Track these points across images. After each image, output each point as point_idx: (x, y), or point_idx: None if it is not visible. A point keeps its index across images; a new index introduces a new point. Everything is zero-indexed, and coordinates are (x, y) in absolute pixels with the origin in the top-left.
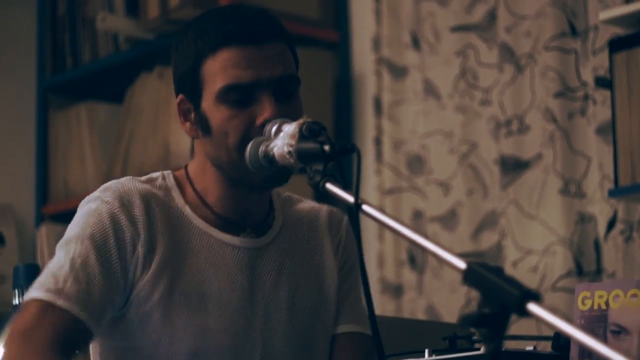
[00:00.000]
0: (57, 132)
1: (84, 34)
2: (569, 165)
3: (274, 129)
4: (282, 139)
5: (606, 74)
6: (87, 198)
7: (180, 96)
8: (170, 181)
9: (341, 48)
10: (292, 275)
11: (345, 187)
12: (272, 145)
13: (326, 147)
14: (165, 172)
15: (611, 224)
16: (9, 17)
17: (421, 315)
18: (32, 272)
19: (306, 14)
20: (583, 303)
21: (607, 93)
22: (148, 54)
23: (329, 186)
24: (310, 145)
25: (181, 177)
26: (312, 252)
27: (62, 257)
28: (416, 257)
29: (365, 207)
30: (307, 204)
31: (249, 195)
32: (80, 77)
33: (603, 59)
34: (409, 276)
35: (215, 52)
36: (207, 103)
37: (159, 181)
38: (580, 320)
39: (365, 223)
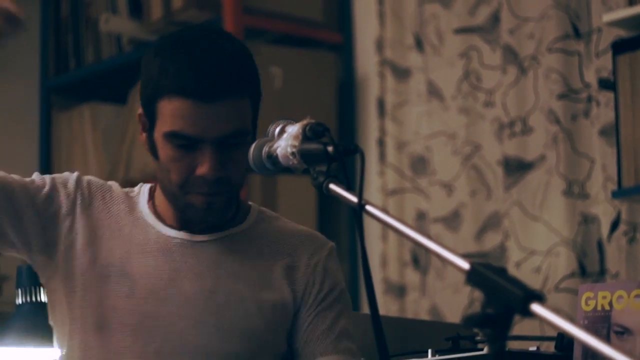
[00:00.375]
0: (61, 132)
1: (87, 35)
2: (573, 166)
3: (277, 129)
4: (286, 140)
5: (609, 75)
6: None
7: (140, 110)
8: (144, 190)
9: (345, 50)
10: (226, 275)
11: (349, 188)
12: (275, 146)
13: (330, 148)
14: (143, 185)
15: (614, 225)
16: None
17: (424, 316)
18: (35, 272)
19: (310, 16)
20: (586, 304)
21: (611, 95)
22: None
23: (333, 187)
24: (313, 146)
25: (153, 189)
26: (264, 262)
27: None
28: (419, 258)
29: (369, 208)
30: (294, 225)
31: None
32: (83, 78)
33: (606, 60)
34: (412, 276)
35: (171, 96)
36: (157, 135)
37: (135, 191)
38: (584, 320)
39: (368, 224)
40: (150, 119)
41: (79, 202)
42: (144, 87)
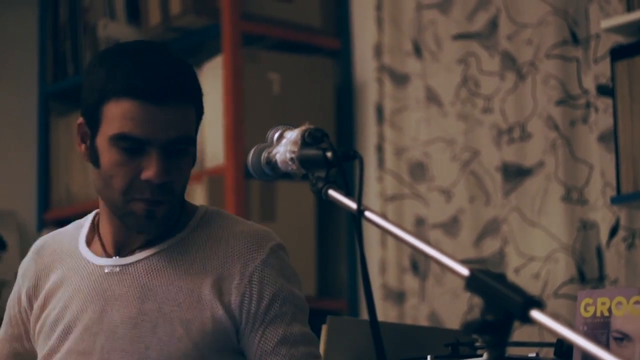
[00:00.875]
0: (59, 138)
1: (85, 41)
2: (571, 172)
3: (276, 135)
4: (285, 146)
5: (608, 82)
6: None
7: (82, 119)
8: (90, 216)
9: (343, 56)
10: (153, 296)
11: (348, 194)
12: (274, 151)
13: (328, 154)
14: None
15: (613, 231)
16: (10, 23)
17: (423, 322)
18: None
19: (308, 22)
20: (586, 310)
21: (609, 101)
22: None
23: (332, 193)
24: (312, 151)
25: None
26: (194, 276)
27: None
28: (419, 264)
29: (368, 214)
30: (238, 226)
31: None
32: (81, 84)
33: (605, 67)
34: (411, 282)
35: (119, 98)
36: (101, 140)
37: (87, 218)
38: (583, 327)
39: (367, 229)
40: (93, 126)
41: (38, 281)
42: (88, 93)
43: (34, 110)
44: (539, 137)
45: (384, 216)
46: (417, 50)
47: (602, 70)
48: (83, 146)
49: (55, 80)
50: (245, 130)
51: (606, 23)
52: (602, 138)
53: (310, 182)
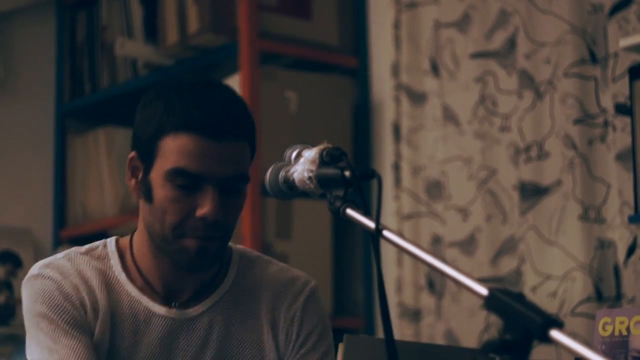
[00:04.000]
0: (75, 156)
1: (102, 60)
2: (589, 191)
3: (294, 154)
4: (303, 165)
5: (626, 101)
6: (27, 276)
7: (134, 153)
8: (111, 248)
9: (360, 74)
10: (219, 350)
11: (366, 213)
12: (292, 170)
13: (347, 173)
14: (108, 240)
15: (631, 250)
16: (28, 41)
17: (440, 340)
18: None
19: (326, 40)
20: (604, 329)
21: (627, 120)
22: (166, 79)
23: (350, 212)
24: (330, 170)
25: (124, 243)
26: (253, 325)
27: (39, 352)
28: (435, 282)
29: (386, 233)
30: (274, 268)
31: (180, 271)
32: (98, 102)
33: (623, 85)
34: (427, 301)
35: (177, 133)
36: (156, 175)
37: (99, 250)
38: (601, 346)
39: (384, 248)
40: (147, 160)
41: (92, 302)
42: (143, 126)
43: (51, 128)
44: (556, 155)
45: (402, 235)
46: (435, 69)
47: (620, 89)
48: (133, 181)
49: (72, 98)
50: (262, 148)
51: (625, 42)
52: (620, 157)
53: (329, 201)
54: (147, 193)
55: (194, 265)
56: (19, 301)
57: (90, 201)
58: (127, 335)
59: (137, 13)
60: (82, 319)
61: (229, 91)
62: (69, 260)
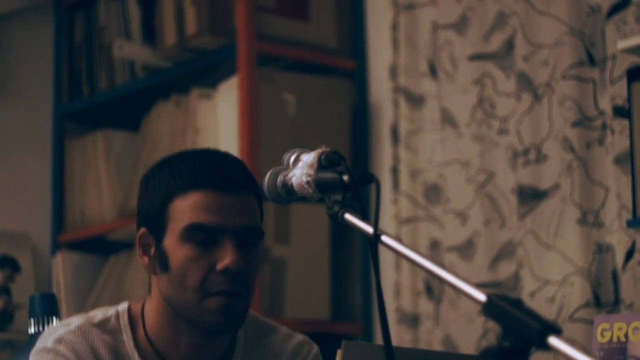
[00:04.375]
0: (73, 160)
1: (100, 62)
2: (587, 195)
3: (292, 158)
4: (301, 169)
5: (624, 103)
6: (39, 346)
7: (143, 230)
8: (124, 321)
9: (358, 76)
10: None
11: (365, 218)
12: (290, 174)
13: (345, 177)
14: (121, 309)
15: (629, 255)
16: (25, 43)
17: (438, 346)
18: (48, 301)
19: (324, 42)
20: (602, 335)
21: (626, 122)
22: (165, 82)
23: (348, 217)
24: (329, 175)
25: (136, 314)
26: None
27: None
28: (433, 287)
29: (384, 238)
30: (279, 336)
31: (200, 341)
32: (96, 104)
33: (621, 88)
34: (425, 306)
35: (187, 192)
36: (170, 240)
37: (112, 322)
38: (600, 352)
39: (381, 253)
40: (158, 230)
41: None
42: (149, 199)
43: (49, 131)
44: (554, 159)
45: (400, 240)
46: (433, 71)
47: (618, 91)
48: (146, 258)
49: (70, 101)
50: (260, 150)
51: (623, 44)
52: (618, 160)
53: (327, 205)
54: (162, 263)
55: (220, 325)
56: (17, 307)
57: (88, 205)
58: None
59: (135, 15)
60: None
61: (229, 154)
62: (82, 334)
